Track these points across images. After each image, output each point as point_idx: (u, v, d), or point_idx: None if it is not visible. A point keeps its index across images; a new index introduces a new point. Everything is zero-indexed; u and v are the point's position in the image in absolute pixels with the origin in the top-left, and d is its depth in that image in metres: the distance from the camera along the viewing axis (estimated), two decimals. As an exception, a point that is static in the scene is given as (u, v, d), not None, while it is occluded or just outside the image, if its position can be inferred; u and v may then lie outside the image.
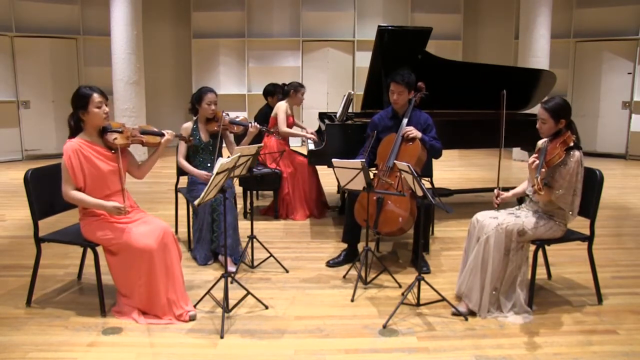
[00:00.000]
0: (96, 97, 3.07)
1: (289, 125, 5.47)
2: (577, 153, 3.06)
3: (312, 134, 5.53)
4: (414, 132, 3.84)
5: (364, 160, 3.32)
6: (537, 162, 3.01)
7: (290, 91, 5.46)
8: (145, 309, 3.08)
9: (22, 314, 3.16)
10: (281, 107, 5.39)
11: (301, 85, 5.54)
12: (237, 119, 4.23)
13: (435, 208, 4.07)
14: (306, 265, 3.99)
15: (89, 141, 3.09)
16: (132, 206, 3.24)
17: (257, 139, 4.67)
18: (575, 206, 3.11)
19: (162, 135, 3.36)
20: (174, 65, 10.31)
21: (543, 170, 2.96)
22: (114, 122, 3.23)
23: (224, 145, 4.25)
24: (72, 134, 3.12)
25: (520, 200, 5.74)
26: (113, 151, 3.16)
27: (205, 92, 4.14)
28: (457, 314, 3.13)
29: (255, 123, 4.23)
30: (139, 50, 8.26)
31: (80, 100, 3.06)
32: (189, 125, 4.20)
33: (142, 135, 3.27)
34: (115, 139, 3.14)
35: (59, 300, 3.37)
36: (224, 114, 4.14)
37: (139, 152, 7.80)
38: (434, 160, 4.51)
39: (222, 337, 2.89)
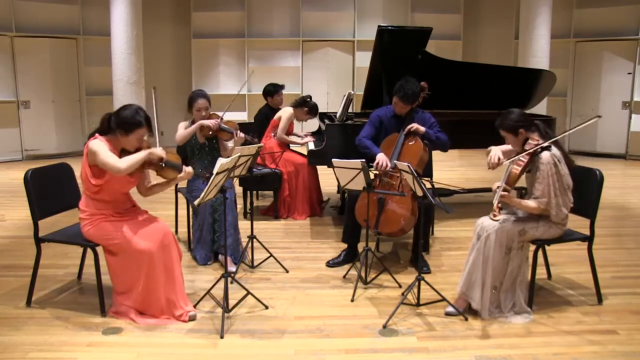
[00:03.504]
0: (144, 130, 3.04)
1: (289, 133, 5.48)
2: (545, 155, 3.01)
3: (307, 136, 5.59)
4: (417, 125, 3.87)
5: (364, 160, 3.32)
6: (499, 184, 3.01)
7: (304, 106, 5.40)
8: (142, 309, 3.08)
9: (22, 314, 3.16)
10: (286, 114, 5.36)
11: (316, 112, 5.47)
12: (226, 126, 4.16)
13: (435, 208, 4.07)
14: (306, 265, 3.99)
15: (112, 150, 3.04)
16: (133, 206, 3.25)
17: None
18: (560, 204, 3.06)
19: (180, 170, 3.23)
20: (174, 65, 10.30)
21: (503, 193, 2.95)
22: None
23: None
24: (100, 132, 3.08)
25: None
26: None
27: (195, 98, 4.07)
28: (453, 313, 3.13)
29: (241, 133, 4.18)
30: (139, 50, 8.25)
31: (128, 126, 3.01)
32: (186, 124, 4.17)
33: (160, 165, 3.13)
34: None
35: (59, 300, 3.37)
36: (219, 118, 4.12)
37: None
38: (434, 160, 4.52)
39: (222, 337, 2.89)
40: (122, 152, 3.10)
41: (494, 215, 2.96)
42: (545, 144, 3.04)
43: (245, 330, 2.99)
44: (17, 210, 5.48)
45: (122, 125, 3.02)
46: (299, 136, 5.78)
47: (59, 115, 8.90)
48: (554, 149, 3.05)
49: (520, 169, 3.00)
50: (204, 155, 4.16)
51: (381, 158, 3.84)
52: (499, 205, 2.97)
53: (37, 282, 3.30)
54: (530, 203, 3.07)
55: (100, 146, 2.97)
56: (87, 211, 3.11)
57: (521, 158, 3.02)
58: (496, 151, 3.22)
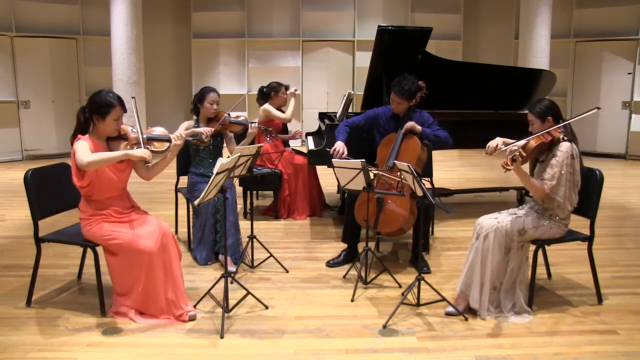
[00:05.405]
0: (118, 110, 3.04)
1: (277, 127, 5.43)
2: (566, 144, 3.04)
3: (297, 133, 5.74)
4: (413, 124, 3.88)
5: (363, 160, 3.32)
6: (515, 147, 3.01)
7: (270, 93, 5.38)
8: (142, 309, 3.08)
9: (22, 314, 3.16)
10: (269, 107, 5.32)
11: (280, 85, 5.44)
12: (237, 119, 4.22)
13: (435, 208, 4.07)
14: (306, 265, 3.99)
15: (98, 144, 3.07)
16: (132, 206, 3.24)
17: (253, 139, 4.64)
18: (566, 196, 3.06)
19: (169, 140, 3.23)
20: (174, 65, 10.31)
21: (518, 154, 2.92)
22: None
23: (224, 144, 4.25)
24: (80, 130, 3.08)
25: (521, 200, 5.77)
26: None
27: (208, 91, 4.14)
28: (453, 313, 3.13)
29: (255, 124, 4.22)
30: (139, 50, 8.26)
31: (101, 108, 3.01)
32: (190, 124, 4.19)
33: (147, 142, 3.15)
34: (120, 146, 3.11)
35: (59, 300, 3.37)
36: (225, 114, 4.14)
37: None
38: (434, 160, 4.51)
39: (222, 337, 2.89)
40: (109, 140, 3.12)
41: (506, 164, 2.91)
42: (563, 124, 3.09)
43: (245, 330, 2.99)
44: (17, 210, 5.48)
45: (97, 110, 3.02)
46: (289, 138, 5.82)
47: (59, 115, 8.90)
48: (574, 145, 3.08)
49: (539, 143, 3.00)
50: (208, 153, 4.15)
51: (338, 145, 3.88)
52: (512, 157, 2.93)
53: (37, 282, 3.29)
54: (536, 182, 3.07)
55: (79, 145, 2.96)
56: (87, 212, 3.11)
57: (544, 134, 3.03)
58: (498, 139, 3.25)
